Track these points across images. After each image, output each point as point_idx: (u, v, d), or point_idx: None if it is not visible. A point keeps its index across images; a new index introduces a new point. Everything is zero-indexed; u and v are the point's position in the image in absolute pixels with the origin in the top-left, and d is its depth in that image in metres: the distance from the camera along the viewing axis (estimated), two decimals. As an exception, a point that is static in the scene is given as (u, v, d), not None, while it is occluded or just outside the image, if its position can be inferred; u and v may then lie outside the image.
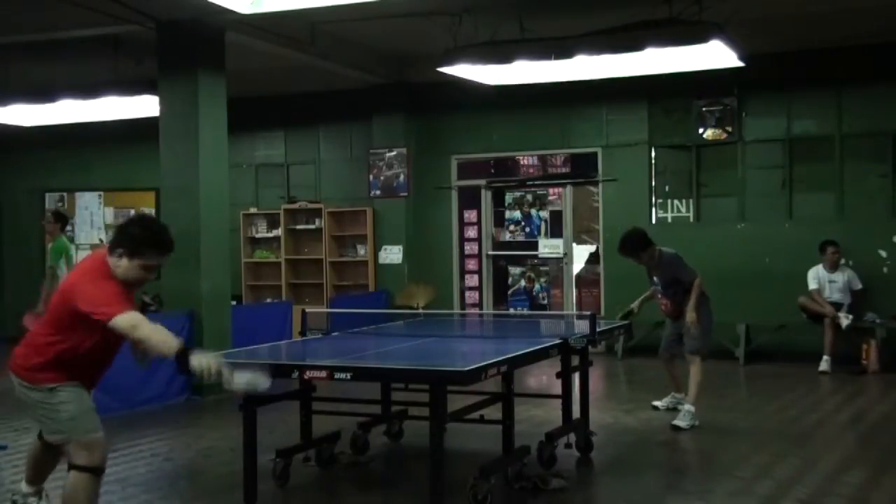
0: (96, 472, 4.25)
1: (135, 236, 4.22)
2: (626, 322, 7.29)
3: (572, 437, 6.33)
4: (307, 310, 6.76)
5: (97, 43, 9.60)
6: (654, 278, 7.49)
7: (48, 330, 4.29)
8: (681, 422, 7.12)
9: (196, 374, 4.02)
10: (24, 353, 4.33)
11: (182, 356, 3.99)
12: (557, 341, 5.84)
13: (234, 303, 10.60)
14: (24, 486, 4.93)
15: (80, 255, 14.20)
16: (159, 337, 4.06)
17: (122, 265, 4.20)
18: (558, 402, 6.32)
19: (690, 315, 7.24)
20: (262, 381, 4.15)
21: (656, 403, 7.92)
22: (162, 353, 4.08)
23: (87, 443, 4.23)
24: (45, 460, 4.78)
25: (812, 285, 10.35)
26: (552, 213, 12.27)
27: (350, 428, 6.46)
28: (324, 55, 10.42)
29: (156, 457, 6.48)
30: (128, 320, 4.03)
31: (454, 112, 12.34)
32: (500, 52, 8.79)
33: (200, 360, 3.98)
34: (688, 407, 7.22)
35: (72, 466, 4.24)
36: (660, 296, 7.49)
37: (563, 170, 12.36)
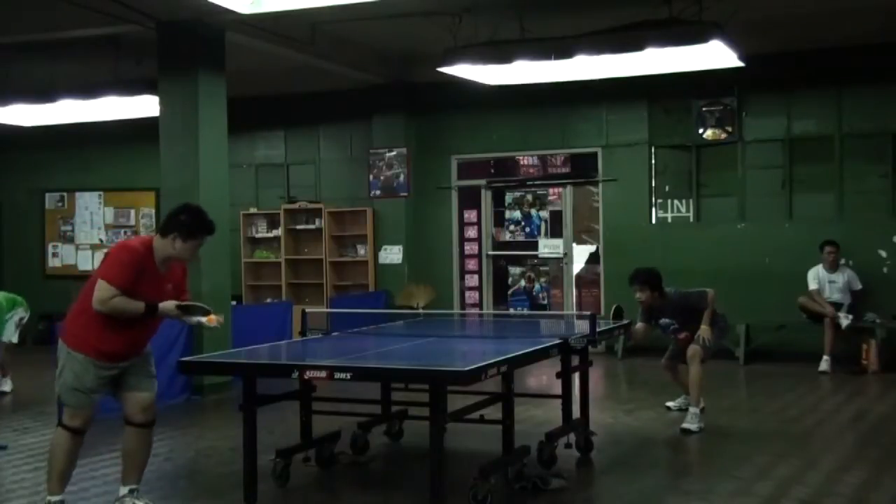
0: (78, 432, 4.89)
1: (186, 222, 4.91)
2: (620, 320, 7.20)
3: (572, 437, 6.33)
4: (307, 310, 6.75)
5: (97, 43, 9.61)
6: (663, 321, 7.40)
7: (84, 301, 4.88)
8: (690, 425, 7.07)
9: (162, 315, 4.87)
10: (67, 318, 5.00)
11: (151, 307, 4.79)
12: (557, 341, 5.83)
13: (234, 303, 10.60)
14: (120, 489, 5.13)
15: (79, 256, 14.24)
16: (128, 304, 4.75)
17: (178, 247, 4.90)
18: (558, 402, 6.32)
19: (705, 329, 7.21)
20: (206, 322, 4.95)
21: (669, 404, 7.89)
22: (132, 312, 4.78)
23: (77, 409, 4.88)
24: (135, 448, 5.10)
25: (812, 285, 10.35)
26: (552, 213, 12.27)
27: (350, 428, 6.46)
28: (324, 55, 10.42)
29: (156, 457, 6.45)
30: (107, 287, 4.72)
31: (454, 112, 12.34)
32: (500, 52, 8.79)
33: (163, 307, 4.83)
34: (692, 410, 7.18)
35: (59, 423, 4.97)
36: (673, 335, 7.47)
37: (563, 170, 12.36)
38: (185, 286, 5.22)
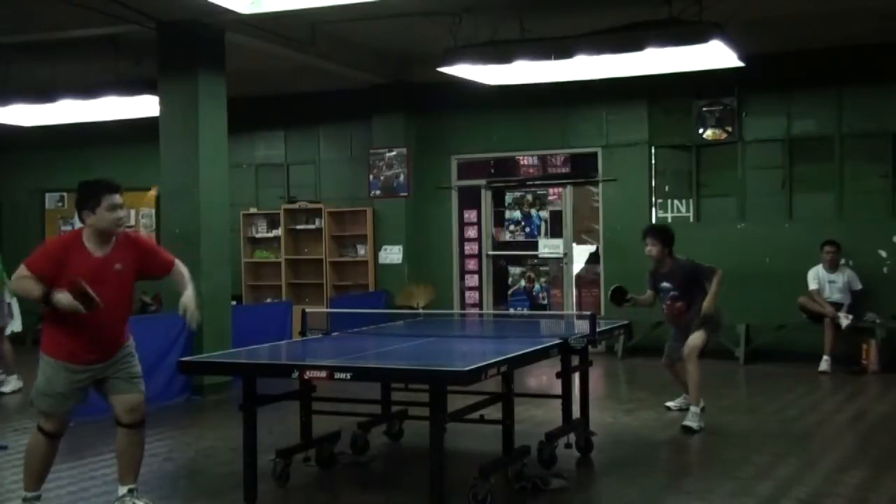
0: (51, 436, 4.96)
1: (84, 195, 4.81)
2: (622, 300, 7.23)
3: (572, 437, 6.33)
4: (307, 310, 6.75)
5: (97, 43, 9.60)
6: (664, 284, 7.37)
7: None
8: (691, 423, 7.08)
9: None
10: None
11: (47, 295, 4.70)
12: (557, 341, 5.83)
13: (234, 303, 10.60)
14: (119, 489, 5.12)
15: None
16: (30, 288, 4.74)
17: (92, 220, 4.78)
18: (558, 402, 6.32)
19: (708, 304, 7.15)
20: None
21: (669, 404, 7.87)
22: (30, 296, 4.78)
23: (50, 412, 4.92)
24: (126, 448, 5.05)
25: (812, 285, 10.35)
26: (552, 213, 12.27)
27: (350, 428, 6.46)
28: (324, 55, 10.42)
29: (156, 457, 6.48)
30: (18, 272, 4.79)
31: (454, 112, 12.34)
32: (500, 52, 8.79)
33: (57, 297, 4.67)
34: (693, 409, 7.18)
35: (37, 427, 4.98)
36: (668, 302, 7.38)
37: (563, 170, 12.36)
38: (161, 258, 5.18)
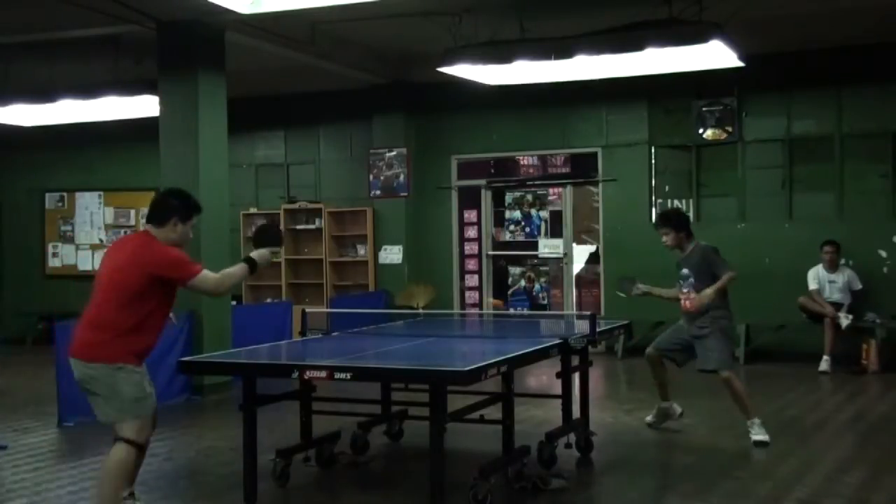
0: (141, 447, 4.73)
1: (179, 205, 4.90)
2: (630, 287, 6.98)
3: (572, 437, 6.33)
4: (307, 310, 6.76)
5: (97, 43, 9.60)
6: (683, 270, 6.92)
7: (112, 306, 4.67)
8: (760, 436, 6.60)
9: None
10: (84, 334, 4.73)
11: (251, 264, 4.98)
12: (557, 341, 5.83)
13: (234, 303, 10.60)
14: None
15: (80, 256, 14.23)
16: (235, 274, 4.93)
17: (179, 231, 4.86)
18: (558, 402, 6.32)
19: (700, 296, 6.67)
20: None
21: (648, 420, 7.35)
22: (242, 279, 5.06)
23: (143, 423, 4.74)
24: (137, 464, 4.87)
25: (812, 285, 10.35)
26: (552, 213, 12.27)
27: (350, 428, 6.46)
28: (324, 55, 10.43)
29: (156, 457, 6.48)
30: (211, 275, 4.81)
31: (454, 112, 12.34)
32: (500, 52, 8.79)
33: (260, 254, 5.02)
34: (752, 421, 6.71)
35: (118, 439, 4.66)
36: (686, 290, 6.88)
37: (563, 170, 12.36)
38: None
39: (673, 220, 7.02)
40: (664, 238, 6.95)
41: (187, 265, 4.75)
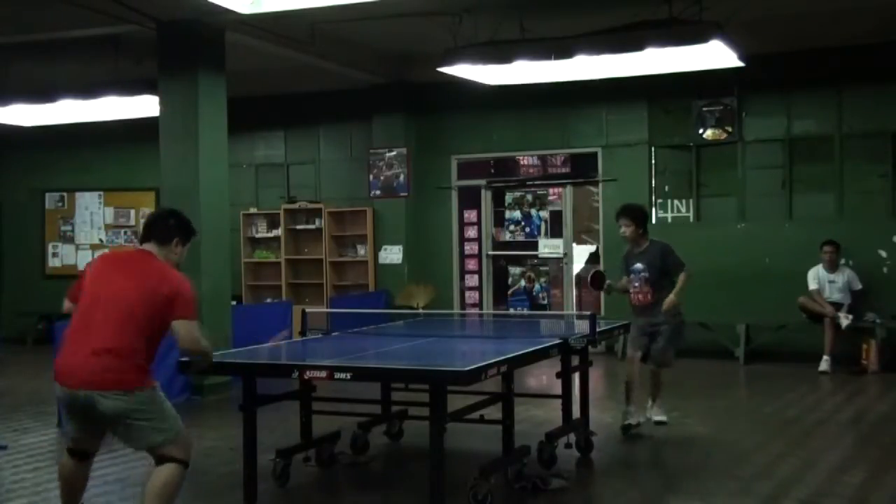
0: (187, 465, 4.50)
1: (181, 227, 4.78)
2: (601, 284, 7.20)
3: (572, 437, 6.33)
4: (307, 310, 6.76)
5: (97, 43, 9.60)
6: (636, 265, 7.19)
7: (135, 337, 4.42)
8: (662, 416, 7.26)
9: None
10: (101, 362, 4.33)
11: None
12: (557, 341, 5.84)
13: (234, 303, 10.60)
14: None
15: (79, 256, 14.23)
16: (207, 344, 4.72)
17: (179, 252, 4.76)
18: (558, 402, 6.32)
19: (670, 299, 6.96)
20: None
21: (630, 421, 7.07)
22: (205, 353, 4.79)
23: (187, 437, 4.55)
24: (79, 478, 4.67)
25: (812, 285, 10.35)
26: (552, 213, 12.27)
27: (350, 428, 6.46)
28: (324, 55, 10.42)
29: (156, 457, 6.47)
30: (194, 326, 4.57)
31: (454, 112, 12.34)
32: (500, 52, 8.79)
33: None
34: (660, 404, 7.34)
35: (169, 459, 4.39)
36: (637, 284, 7.16)
37: (563, 170, 12.36)
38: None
39: (635, 213, 7.30)
40: (623, 230, 7.25)
41: (194, 305, 4.56)
